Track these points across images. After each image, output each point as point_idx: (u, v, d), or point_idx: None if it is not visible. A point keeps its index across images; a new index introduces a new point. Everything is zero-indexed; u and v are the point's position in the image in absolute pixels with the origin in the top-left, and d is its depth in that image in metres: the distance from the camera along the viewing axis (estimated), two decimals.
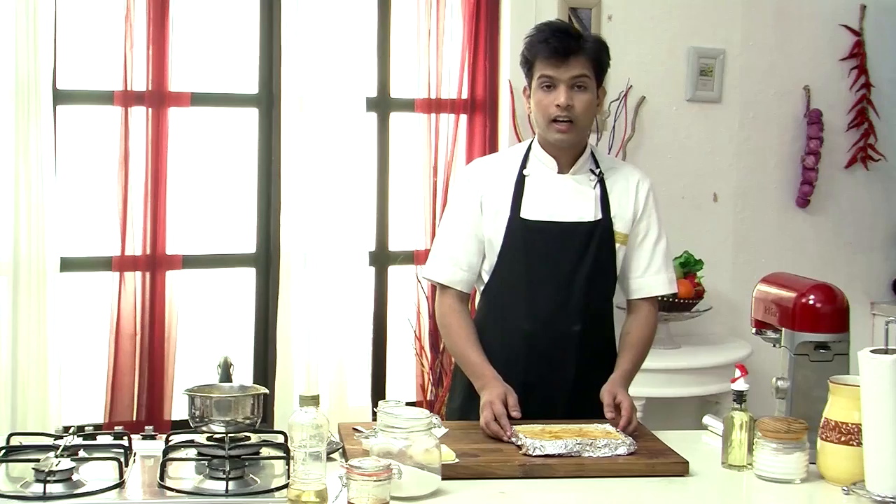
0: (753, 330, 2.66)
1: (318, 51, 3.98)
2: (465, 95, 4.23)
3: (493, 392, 2.60)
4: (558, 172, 2.76)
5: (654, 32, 4.42)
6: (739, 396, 2.47)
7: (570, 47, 2.66)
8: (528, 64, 2.73)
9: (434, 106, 4.20)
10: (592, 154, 2.81)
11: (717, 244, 4.56)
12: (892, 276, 4.83)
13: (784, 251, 4.59)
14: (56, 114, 3.78)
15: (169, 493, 2.17)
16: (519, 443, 2.45)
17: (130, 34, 3.80)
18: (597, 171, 2.77)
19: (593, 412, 2.64)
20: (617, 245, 2.76)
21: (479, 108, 4.25)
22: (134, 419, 3.84)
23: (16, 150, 3.66)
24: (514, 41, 4.17)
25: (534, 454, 2.39)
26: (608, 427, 2.55)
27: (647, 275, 2.81)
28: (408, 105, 4.22)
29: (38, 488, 2.13)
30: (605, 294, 2.80)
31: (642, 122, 4.42)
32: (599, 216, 2.74)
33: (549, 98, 2.67)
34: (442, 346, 4.04)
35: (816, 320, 2.46)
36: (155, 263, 3.87)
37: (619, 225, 2.76)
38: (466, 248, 2.78)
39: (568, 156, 2.76)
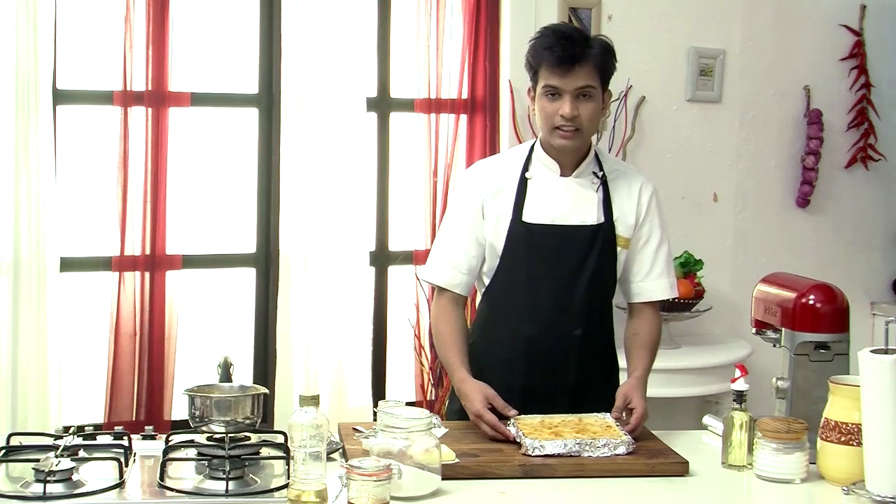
0: (753, 330, 2.66)
1: (318, 51, 3.98)
2: (465, 95, 4.23)
3: (475, 402, 2.58)
4: (561, 175, 2.75)
5: (654, 32, 4.42)
6: (739, 396, 2.47)
7: (576, 55, 2.61)
8: (532, 69, 2.70)
9: (434, 106, 4.20)
10: (597, 156, 2.80)
11: (717, 244, 4.56)
12: (892, 276, 4.83)
13: (784, 251, 4.60)
14: (56, 114, 3.78)
15: (169, 493, 2.17)
16: (519, 441, 2.45)
17: (130, 34, 3.80)
18: (599, 174, 2.76)
19: None
20: (618, 249, 2.76)
21: (479, 108, 4.25)
22: (134, 419, 3.84)
23: (16, 149, 3.66)
24: (514, 41, 4.18)
25: (533, 454, 2.39)
26: (608, 419, 2.55)
27: (648, 279, 2.80)
28: (408, 105, 4.22)
29: (38, 488, 2.13)
30: (607, 298, 2.80)
31: (642, 122, 4.42)
32: (602, 220, 2.73)
33: (553, 106, 2.65)
34: None
35: (816, 320, 2.46)
36: (155, 263, 3.87)
37: (622, 229, 2.75)
38: (466, 252, 2.77)
39: (571, 159, 2.74)
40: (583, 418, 2.56)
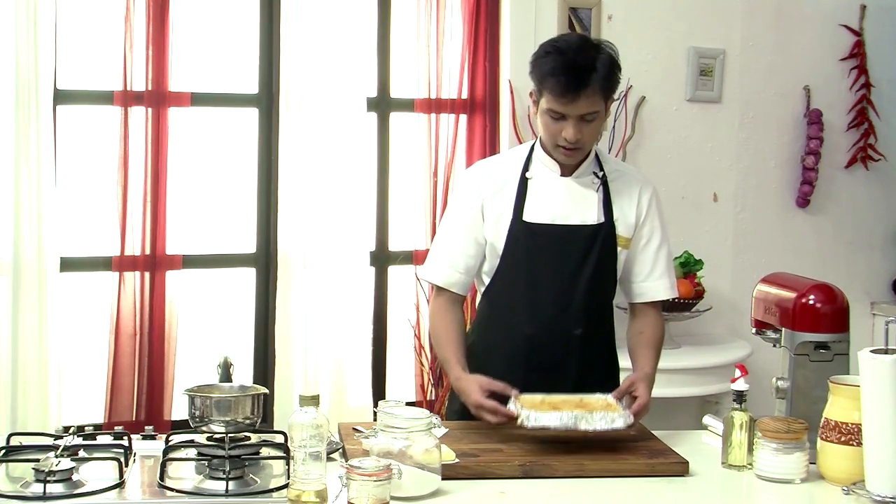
0: (753, 330, 2.66)
1: (318, 51, 3.98)
2: (465, 95, 4.23)
3: (472, 393, 2.58)
4: (561, 175, 2.75)
5: (654, 32, 4.42)
6: (739, 396, 2.47)
7: (581, 84, 2.57)
8: (535, 84, 2.67)
9: (434, 106, 4.20)
10: (597, 156, 2.80)
11: (717, 244, 4.56)
12: (892, 276, 4.83)
13: (784, 251, 4.60)
14: (56, 114, 3.78)
15: (169, 493, 2.17)
16: (517, 414, 2.44)
17: (130, 34, 3.80)
18: (600, 174, 2.76)
19: None
20: (619, 249, 2.76)
21: (479, 108, 4.25)
22: (134, 419, 3.84)
23: (16, 149, 3.66)
24: (514, 41, 4.18)
25: (529, 425, 2.39)
26: (609, 399, 2.54)
27: (649, 279, 2.81)
28: (408, 105, 4.22)
29: (38, 488, 2.13)
30: (607, 297, 2.80)
31: (642, 122, 4.42)
32: (602, 219, 2.73)
33: (556, 127, 2.63)
34: None
35: (816, 320, 2.46)
36: (155, 263, 3.87)
37: (622, 228, 2.75)
38: (464, 252, 2.77)
39: None
40: (584, 398, 2.55)
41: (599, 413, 2.43)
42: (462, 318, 2.83)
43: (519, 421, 2.42)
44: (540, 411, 2.43)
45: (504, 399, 2.55)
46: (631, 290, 2.83)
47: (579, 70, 2.57)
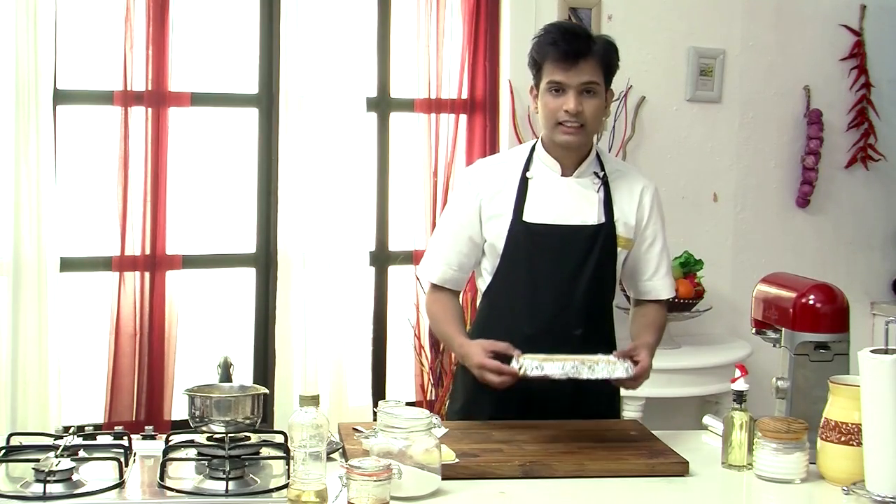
0: (753, 330, 2.66)
1: (318, 51, 3.98)
2: (465, 95, 4.23)
3: (474, 356, 2.60)
4: (562, 175, 2.74)
5: (654, 32, 4.42)
6: (739, 396, 2.47)
7: (580, 50, 2.62)
8: (535, 66, 2.69)
9: (434, 106, 4.20)
10: (598, 156, 2.80)
11: (717, 244, 4.56)
12: (892, 276, 4.83)
13: (784, 251, 4.60)
14: (56, 114, 3.78)
15: (169, 493, 2.17)
16: (519, 367, 2.45)
17: (130, 34, 3.80)
18: (601, 174, 2.76)
19: (592, 417, 2.66)
20: (618, 249, 2.76)
21: (479, 108, 4.25)
22: (134, 419, 3.84)
23: (16, 149, 3.67)
24: (514, 41, 4.18)
25: (532, 374, 2.41)
26: (611, 358, 2.53)
27: (654, 279, 2.82)
28: (408, 105, 4.22)
29: (38, 488, 2.13)
30: (607, 298, 2.80)
31: (642, 122, 4.42)
32: (602, 220, 2.73)
33: (557, 102, 2.64)
34: (442, 346, 4.04)
35: (816, 320, 2.46)
36: (155, 263, 3.87)
37: (622, 229, 2.75)
38: (459, 250, 2.78)
39: (572, 158, 2.74)
40: (586, 357, 2.54)
41: (601, 364, 2.43)
42: (459, 304, 2.85)
43: (521, 371, 2.43)
44: (543, 362, 2.44)
45: (507, 361, 2.54)
46: (636, 287, 2.85)
47: (578, 37, 2.64)
